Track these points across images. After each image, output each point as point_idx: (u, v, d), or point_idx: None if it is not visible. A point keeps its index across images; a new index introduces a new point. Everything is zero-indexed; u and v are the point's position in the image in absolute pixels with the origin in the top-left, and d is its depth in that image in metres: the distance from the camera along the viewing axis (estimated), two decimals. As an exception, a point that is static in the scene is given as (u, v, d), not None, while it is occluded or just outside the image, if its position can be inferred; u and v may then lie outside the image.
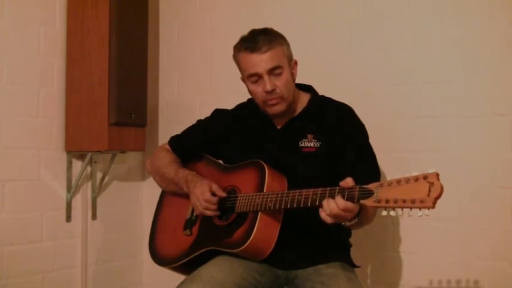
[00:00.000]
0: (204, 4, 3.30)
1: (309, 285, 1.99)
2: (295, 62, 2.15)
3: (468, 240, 2.45)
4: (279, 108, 2.09)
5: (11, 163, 2.82)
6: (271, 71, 2.04)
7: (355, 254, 2.21)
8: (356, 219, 1.82)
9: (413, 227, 2.56)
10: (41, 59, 2.96)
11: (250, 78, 2.08)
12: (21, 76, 2.87)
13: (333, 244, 2.13)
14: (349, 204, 1.72)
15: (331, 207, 1.74)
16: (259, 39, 2.04)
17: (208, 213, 2.09)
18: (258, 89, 2.07)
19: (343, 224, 1.83)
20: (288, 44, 2.12)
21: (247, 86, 2.14)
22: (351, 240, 2.23)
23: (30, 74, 2.91)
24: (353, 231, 2.23)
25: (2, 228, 2.77)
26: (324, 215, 1.77)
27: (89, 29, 2.94)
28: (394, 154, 2.58)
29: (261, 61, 2.03)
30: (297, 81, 2.21)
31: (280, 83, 2.05)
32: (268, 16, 2.99)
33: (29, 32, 2.91)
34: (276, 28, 2.15)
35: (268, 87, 2.04)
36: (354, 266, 2.15)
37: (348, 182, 1.75)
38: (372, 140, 2.16)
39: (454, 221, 2.47)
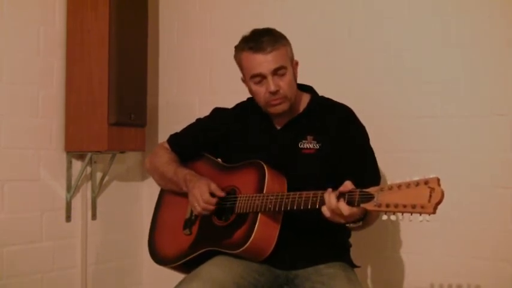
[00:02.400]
0: (204, 4, 3.30)
1: (308, 285, 1.99)
2: (296, 63, 2.14)
3: (468, 240, 2.45)
4: (281, 108, 2.08)
5: (11, 163, 2.82)
6: (275, 72, 2.03)
7: (354, 254, 2.21)
8: (360, 223, 1.83)
9: (413, 227, 2.55)
10: (41, 59, 2.95)
11: (253, 78, 2.06)
12: (21, 76, 2.87)
13: (332, 244, 2.12)
14: (355, 210, 1.72)
15: (332, 204, 1.74)
16: (263, 39, 2.02)
17: (206, 213, 2.10)
18: (262, 89, 2.06)
19: (347, 225, 1.84)
20: (290, 45, 2.11)
21: (248, 87, 2.13)
22: (351, 240, 2.23)
23: (30, 74, 2.91)
24: (353, 231, 2.23)
25: (2, 228, 2.77)
26: (327, 213, 1.77)
27: (89, 29, 2.93)
28: (394, 154, 2.58)
29: (265, 61, 2.02)
30: (297, 81, 2.20)
31: (283, 84, 2.04)
32: (268, 16, 2.98)
33: (28, 32, 2.90)
34: (276, 28, 2.13)
35: (273, 88, 2.03)
36: (353, 266, 2.15)
37: (347, 185, 1.75)
38: (372, 140, 2.16)
39: (454, 221, 2.47)
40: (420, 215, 1.54)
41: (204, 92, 3.26)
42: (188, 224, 2.21)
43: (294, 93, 2.10)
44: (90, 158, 3.06)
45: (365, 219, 1.82)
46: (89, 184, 3.16)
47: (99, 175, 3.18)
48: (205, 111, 2.42)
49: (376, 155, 2.14)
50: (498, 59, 2.42)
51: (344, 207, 1.71)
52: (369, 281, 2.69)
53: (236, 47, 2.12)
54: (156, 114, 3.44)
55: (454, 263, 2.47)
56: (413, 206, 1.53)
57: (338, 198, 1.73)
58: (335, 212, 1.74)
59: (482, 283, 2.40)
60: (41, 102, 2.95)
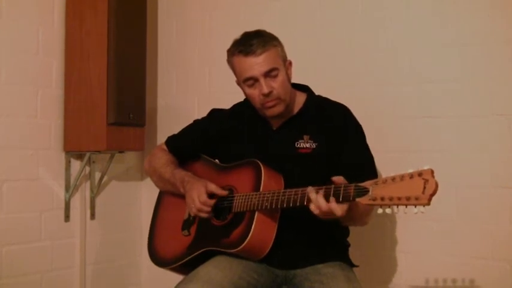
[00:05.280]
0: (204, 4, 3.30)
1: (307, 284, 1.98)
2: (290, 63, 2.14)
3: (468, 240, 2.45)
4: (277, 110, 2.07)
5: (10, 163, 2.82)
6: (267, 74, 2.03)
7: (353, 253, 2.20)
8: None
9: (412, 227, 2.56)
10: (40, 59, 2.95)
11: (246, 82, 2.07)
12: (20, 76, 2.87)
13: (331, 243, 2.12)
14: (333, 206, 1.71)
15: (320, 203, 1.74)
16: (253, 42, 2.02)
17: (203, 215, 2.09)
18: (255, 92, 2.06)
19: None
20: (281, 45, 2.11)
21: (243, 90, 2.13)
22: (349, 239, 2.22)
23: (29, 75, 2.91)
24: (352, 231, 2.23)
25: (1, 228, 2.77)
26: (313, 207, 1.77)
27: (88, 29, 2.93)
28: (393, 154, 2.58)
29: (256, 64, 2.02)
30: (297, 81, 2.20)
31: (276, 85, 2.04)
32: (268, 17, 2.99)
33: (27, 32, 2.90)
34: (275, 29, 2.14)
35: (265, 90, 2.02)
36: (352, 265, 2.15)
37: (340, 178, 1.75)
38: (371, 140, 2.15)
39: (453, 221, 2.47)
40: (415, 206, 1.54)
41: (202, 92, 3.26)
42: (187, 224, 2.21)
43: (288, 93, 2.10)
44: (89, 158, 3.06)
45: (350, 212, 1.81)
46: (88, 184, 3.16)
47: (98, 175, 3.18)
48: (204, 111, 2.43)
49: (376, 155, 2.14)
50: (498, 59, 2.42)
51: (336, 208, 1.71)
52: (367, 281, 2.67)
53: (228, 51, 2.12)
54: (155, 113, 3.44)
55: (454, 263, 2.46)
56: (408, 198, 1.53)
57: (326, 197, 1.73)
58: (322, 210, 1.74)
59: (482, 283, 2.39)
60: (39, 102, 2.95)
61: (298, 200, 1.84)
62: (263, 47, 2.02)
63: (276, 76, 2.04)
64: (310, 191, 1.77)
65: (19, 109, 2.86)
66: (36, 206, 2.92)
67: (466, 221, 2.45)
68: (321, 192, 1.75)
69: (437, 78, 2.54)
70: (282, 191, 1.92)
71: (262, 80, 2.02)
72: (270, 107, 2.06)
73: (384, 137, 2.58)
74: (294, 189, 1.87)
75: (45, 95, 2.97)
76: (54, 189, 3.00)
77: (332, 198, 1.72)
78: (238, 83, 2.14)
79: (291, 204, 1.86)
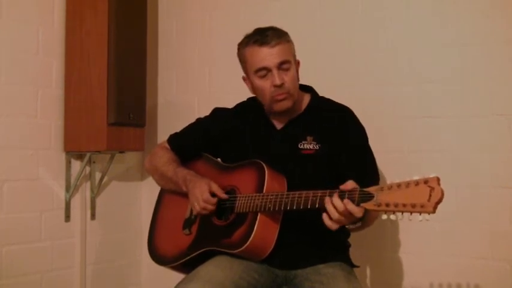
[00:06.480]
0: (204, 4, 3.30)
1: (308, 285, 1.98)
2: (298, 62, 2.15)
3: (468, 240, 2.45)
4: (286, 104, 2.07)
5: (10, 163, 2.81)
6: (280, 66, 2.03)
7: (354, 254, 2.20)
8: (359, 223, 1.83)
9: (413, 227, 2.56)
10: (40, 59, 2.94)
11: (258, 72, 2.06)
12: (20, 76, 2.86)
13: (332, 244, 2.12)
14: (350, 206, 1.70)
15: (337, 204, 1.72)
16: (268, 33, 2.03)
17: (206, 212, 2.09)
18: (267, 83, 2.06)
19: (346, 227, 1.83)
20: (293, 43, 2.12)
21: (252, 83, 2.12)
22: (350, 240, 2.22)
23: (29, 75, 2.90)
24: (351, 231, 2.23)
25: (1, 228, 2.76)
26: (327, 220, 1.75)
27: (88, 29, 2.93)
28: (394, 154, 2.58)
29: (271, 55, 2.02)
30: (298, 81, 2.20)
31: (288, 78, 2.04)
32: (268, 17, 2.97)
33: (27, 32, 2.90)
34: (276, 28, 2.14)
35: (278, 81, 2.02)
36: (353, 265, 2.15)
37: (348, 185, 1.74)
38: (372, 140, 2.16)
39: (453, 221, 2.47)
40: (420, 214, 1.54)
41: (203, 91, 3.26)
42: (188, 223, 2.20)
43: (297, 90, 2.10)
44: (89, 158, 3.05)
45: (364, 219, 1.82)
46: (88, 184, 3.16)
47: (98, 175, 3.18)
48: (204, 111, 2.42)
49: (376, 155, 2.14)
50: (498, 59, 2.42)
51: (354, 209, 1.69)
52: (368, 281, 2.68)
53: (239, 44, 2.12)
54: (155, 114, 3.44)
55: (454, 263, 2.47)
56: (413, 206, 1.53)
57: (342, 199, 1.71)
58: (343, 214, 1.72)
59: (482, 283, 2.40)
60: (40, 102, 2.94)
61: (302, 203, 1.83)
62: (278, 38, 2.03)
63: (288, 69, 2.05)
64: (327, 200, 1.75)
65: (19, 109, 2.86)
66: (37, 206, 2.92)
67: (466, 221, 2.46)
68: (335, 194, 1.74)
69: (437, 78, 2.55)
70: (286, 193, 1.91)
71: (275, 71, 2.02)
72: (280, 100, 2.06)
73: (383, 137, 2.58)
74: (297, 192, 1.86)
75: (45, 95, 2.97)
76: (54, 189, 2.99)
77: (347, 200, 1.70)
78: (247, 77, 2.14)
79: (294, 207, 1.86)
